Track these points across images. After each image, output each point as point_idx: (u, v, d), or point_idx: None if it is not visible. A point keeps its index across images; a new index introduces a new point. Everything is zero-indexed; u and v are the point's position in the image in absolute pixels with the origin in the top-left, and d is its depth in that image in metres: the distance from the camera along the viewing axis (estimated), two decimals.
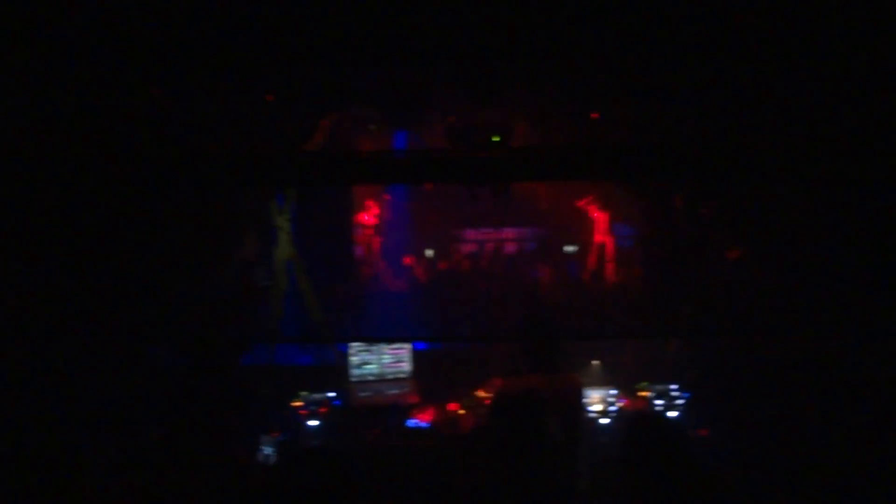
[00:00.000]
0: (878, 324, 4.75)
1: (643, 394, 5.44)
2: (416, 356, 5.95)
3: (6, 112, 4.00)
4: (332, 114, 6.26)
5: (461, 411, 5.32)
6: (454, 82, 4.99)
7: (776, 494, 4.18)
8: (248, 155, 5.27)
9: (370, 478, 4.50)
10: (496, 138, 5.36)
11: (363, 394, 5.74)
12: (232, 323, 6.50)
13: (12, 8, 3.54)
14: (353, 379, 5.79)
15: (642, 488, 2.56)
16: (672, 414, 5.27)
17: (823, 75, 4.26)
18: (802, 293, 5.65)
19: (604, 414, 5.24)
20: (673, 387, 5.42)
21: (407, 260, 10.95)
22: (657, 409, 5.31)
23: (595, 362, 5.80)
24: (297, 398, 5.46)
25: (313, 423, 5.32)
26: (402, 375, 5.88)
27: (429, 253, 11.72)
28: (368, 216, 11.46)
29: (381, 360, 5.86)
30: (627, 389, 5.50)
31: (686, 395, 5.36)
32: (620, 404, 5.34)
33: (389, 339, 5.91)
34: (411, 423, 5.27)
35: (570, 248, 11.43)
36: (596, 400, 5.29)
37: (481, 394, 5.31)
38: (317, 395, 5.49)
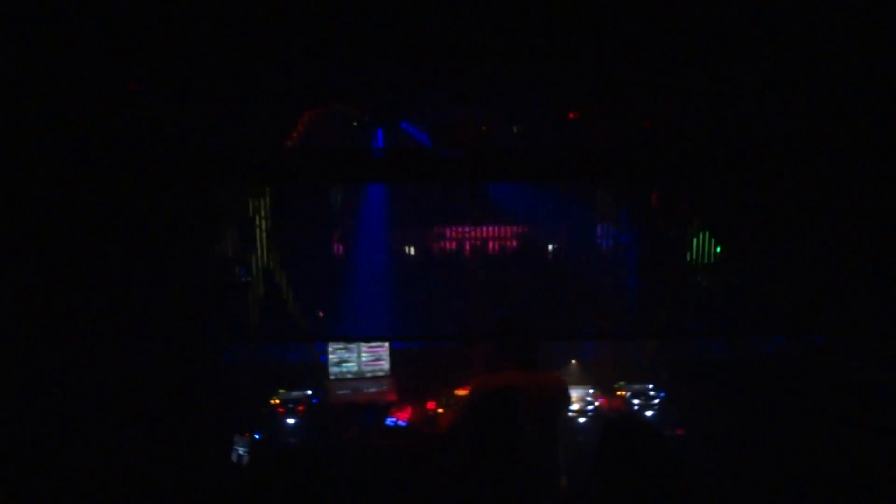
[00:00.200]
0: (851, 323, 4.83)
1: (621, 393, 5.49)
2: (395, 354, 5.93)
3: None
4: (311, 111, 6.23)
5: (439, 410, 5.31)
6: (434, 81, 4.98)
7: (751, 493, 4.23)
8: (227, 152, 5.24)
9: (348, 477, 4.49)
10: (477, 138, 5.36)
11: (341, 392, 5.72)
12: (210, 320, 6.46)
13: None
14: (332, 377, 5.77)
15: (618, 487, 2.57)
16: (648, 413, 5.31)
17: (810, 72, 4.28)
18: (779, 294, 5.73)
19: (581, 413, 5.27)
20: (650, 386, 5.48)
21: (386, 258, 10.91)
22: (634, 407, 5.35)
23: (573, 361, 5.83)
24: (275, 396, 5.44)
25: (291, 420, 5.30)
26: (380, 373, 5.86)
27: (409, 250, 11.69)
28: (347, 213, 11.40)
29: (360, 359, 5.84)
30: (605, 388, 5.54)
31: (662, 394, 5.42)
32: (598, 403, 5.38)
33: (368, 339, 5.89)
34: (390, 421, 5.27)
35: (551, 247, 11.45)
36: (574, 399, 5.31)
37: (460, 392, 5.31)
38: (295, 393, 5.47)
